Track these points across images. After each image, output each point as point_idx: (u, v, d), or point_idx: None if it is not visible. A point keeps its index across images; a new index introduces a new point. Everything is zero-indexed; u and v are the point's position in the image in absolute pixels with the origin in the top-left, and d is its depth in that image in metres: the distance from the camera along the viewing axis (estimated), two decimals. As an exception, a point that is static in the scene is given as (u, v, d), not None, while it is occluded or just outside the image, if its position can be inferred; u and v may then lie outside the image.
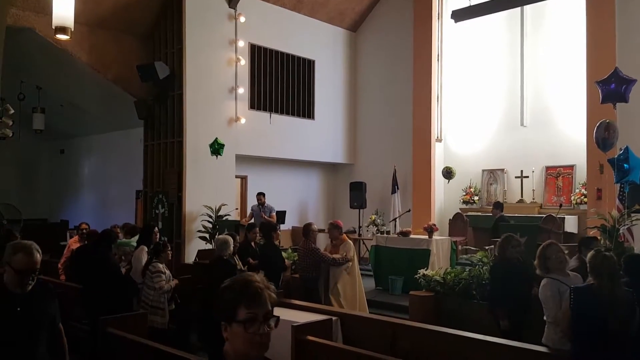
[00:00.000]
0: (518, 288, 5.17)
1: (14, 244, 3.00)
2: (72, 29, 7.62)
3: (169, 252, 5.98)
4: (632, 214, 6.99)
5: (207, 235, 10.33)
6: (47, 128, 13.49)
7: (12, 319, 2.94)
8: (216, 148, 10.42)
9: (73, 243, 8.21)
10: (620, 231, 6.68)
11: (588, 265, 3.85)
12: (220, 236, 6.48)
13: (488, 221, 10.87)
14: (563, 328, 3.90)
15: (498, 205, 10.65)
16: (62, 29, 7.57)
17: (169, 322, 5.84)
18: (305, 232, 7.38)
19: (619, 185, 7.13)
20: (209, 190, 10.75)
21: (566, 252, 4.53)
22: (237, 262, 6.47)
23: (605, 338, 3.52)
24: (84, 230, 8.10)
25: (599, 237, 6.38)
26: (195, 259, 9.62)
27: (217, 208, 10.54)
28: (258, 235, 7.73)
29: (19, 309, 2.96)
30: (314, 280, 7.19)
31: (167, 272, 5.86)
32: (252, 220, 10.72)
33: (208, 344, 5.92)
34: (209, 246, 10.08)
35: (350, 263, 7.28)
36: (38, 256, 2.99)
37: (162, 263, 5.81)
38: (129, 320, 4.79)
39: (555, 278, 4.16)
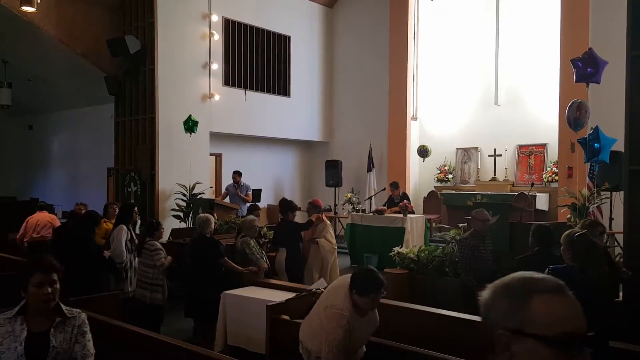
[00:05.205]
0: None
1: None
2: (39, 1, 7.37)
3: (161, 230, 6.01)
4: (602, 192, 7.14)
5: (181, 214, 10.22)
6: (15, 103, 13.07)
7: None
8: (190, 125, 10.26)
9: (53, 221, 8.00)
10: (590, 209, 6.82)
11: (569, 248, 3.70)
12: (202, 215, 6.41)
13: (462, 199, 11.01)
14: None
15: (398, 185, 10.60)
16: (28, 1, 7.31)
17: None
18: None
19: (589, 164, 7.27)
20: (183, 168, 10.60)
21: None
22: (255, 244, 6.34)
23: None
24: (82, 211, 7.91)
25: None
26: (169, 238, 9.50)
27: (191, 186, 10.42)
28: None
29: None
30: None
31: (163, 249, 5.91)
32: (227, 200, 10.63)
33: (197, 322, 5.93)
34: (182, 225, 9.98)
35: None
36: None
37: (156, 241, 5.85)
38: (100, 301, 4.72)
39: None
